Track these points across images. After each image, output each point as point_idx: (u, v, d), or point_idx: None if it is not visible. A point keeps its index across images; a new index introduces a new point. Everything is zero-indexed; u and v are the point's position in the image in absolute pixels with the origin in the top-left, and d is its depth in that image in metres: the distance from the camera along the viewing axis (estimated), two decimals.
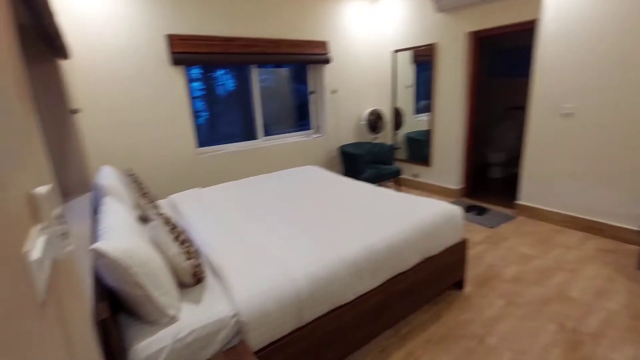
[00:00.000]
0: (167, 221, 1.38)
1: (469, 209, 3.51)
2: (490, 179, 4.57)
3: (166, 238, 1.33)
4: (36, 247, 0.52)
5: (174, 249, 1.32)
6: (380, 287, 1.67)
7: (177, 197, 2.61)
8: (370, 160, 4.21)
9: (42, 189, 0.58)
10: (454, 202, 3.31)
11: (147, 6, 2.88)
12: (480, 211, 3.44)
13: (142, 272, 1.10)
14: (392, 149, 4.15)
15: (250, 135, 3.89)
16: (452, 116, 3.80)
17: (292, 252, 1.63)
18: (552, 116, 2.95)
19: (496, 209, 3.53)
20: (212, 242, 1.74)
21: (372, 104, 4.60)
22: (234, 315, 1.24)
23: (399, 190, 4.12)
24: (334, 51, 4.07)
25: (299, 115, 4.35)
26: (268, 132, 4.00)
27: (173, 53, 3.05)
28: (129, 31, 2.84)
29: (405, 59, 4.20)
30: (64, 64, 2.41)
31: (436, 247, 1.94)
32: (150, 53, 2.96)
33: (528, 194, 3.27)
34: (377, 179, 3.81)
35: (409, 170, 4.46)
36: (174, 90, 3.14)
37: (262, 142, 3.90)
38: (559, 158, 2.98)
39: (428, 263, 1.90)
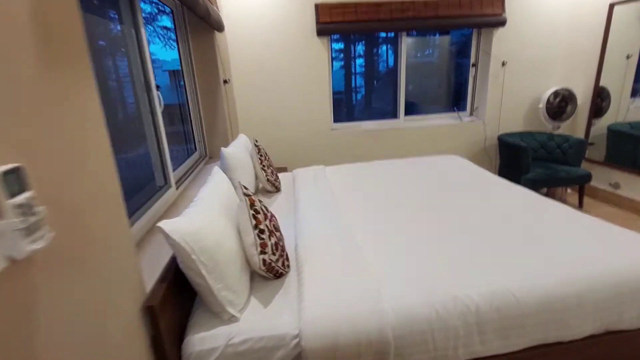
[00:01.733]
0: (252, 204, 1.24)
1: None
2: None
3: (247, 223, 1.20)
4: None
5: (250, 237, 1.17)
6: (515, 354, 1.12)
7: (299, 173, 2.56)
8: (541, 157, 3.19)
9: None
10: None
11: None
12: None
13: (202, 260, 0.98)
14: (582, 144, 2.99)
15: (391, 113, 3.51)
16: None
17: (394, 269, 1.27)
18: None
19: None
20: (307, 233, 1.54)
21: (560, 80, 3.40)
22: (295, 336, 1.01)
23: (579, 205, 2.99)
24: (511, 10, 3.13)
25: (456, 95, 3.65)
26: (414, 112, 3.53)
27: (319, 23, 2.94)
28: (281, 1, 2.86)
29: (629, 15, 2.84)
30: (218, 37, 2.61)
31: (635, 317, 1.18)
32: (298, 24, 2.94)
33: None
34: (547, 183, 2.85)
35: (604, 177, 3.15)
36: (317, 63, 3.07)
37: (403, 122, 3.47)
38: None
39: (612, 339, 1.18)
